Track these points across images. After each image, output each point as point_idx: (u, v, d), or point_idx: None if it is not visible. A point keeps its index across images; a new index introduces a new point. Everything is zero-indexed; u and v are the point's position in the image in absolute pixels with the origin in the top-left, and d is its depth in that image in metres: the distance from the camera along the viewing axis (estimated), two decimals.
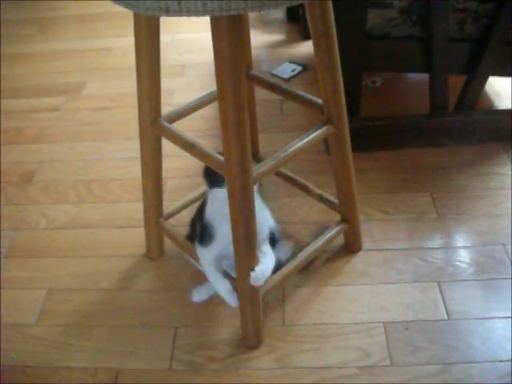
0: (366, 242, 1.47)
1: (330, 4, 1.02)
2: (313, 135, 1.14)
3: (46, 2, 3.23)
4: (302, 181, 1.46)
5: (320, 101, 1.17)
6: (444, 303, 1.30)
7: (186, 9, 0.77)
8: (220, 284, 1.22)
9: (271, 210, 1.25)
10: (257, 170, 1.03)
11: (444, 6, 1.54)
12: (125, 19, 2.66)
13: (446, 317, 1.27)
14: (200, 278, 1.37)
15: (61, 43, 2.76)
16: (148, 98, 1.14)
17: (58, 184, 1.78)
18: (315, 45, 1.07)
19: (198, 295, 1.35)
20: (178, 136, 1.13)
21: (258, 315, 1.19)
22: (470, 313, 1.27)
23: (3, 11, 3.14)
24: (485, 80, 1.73)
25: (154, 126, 1.17)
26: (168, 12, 0.79)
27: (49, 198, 1.73)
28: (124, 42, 2.63)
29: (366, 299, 1.33)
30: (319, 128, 1.16)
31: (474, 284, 1.35)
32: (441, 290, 1.33)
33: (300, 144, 1.10)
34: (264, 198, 1.21)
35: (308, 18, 1.04)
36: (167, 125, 1.17)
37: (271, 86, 1.31)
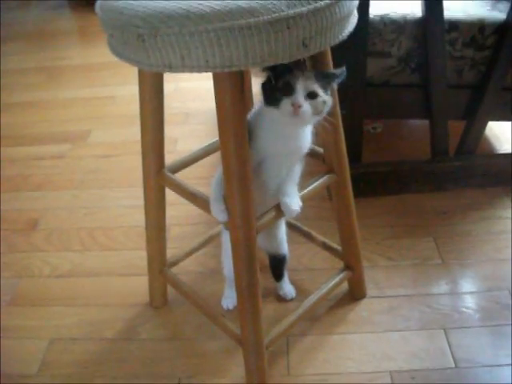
0: (371, 289, 1.46)
1: (330, 56, 1.04)
2: (314, 184, 1.15)
3: (53, 52, 3.32)
4: (305, 228, 1.46)
5: (321, 150, 1.19)
6: (451, 350, 1.28)
7: (189, 65, 0.80)
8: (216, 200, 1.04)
9: None
10: (260, 220, 1.04)
11: (441, 54, 1.58)
12: (129, 67, 2.68)
13: (453, 365, 1.25)
14: (204, 328, 1.36)
15: (67, 92, 2.82)
16: (152, 148, 1.15)
17: (62, 232, 1.79)
18: None
19: (226, 302, 1.42)
20: (182, 187, 1.13)
21: (262, 366, 1.17)
22: (477, 360, 1.26)
23: (12, 60, 3.22)
24: (484, 125, 1.75)
25: (158, 176, 1.18)
26: (171, 68, 0.81)
27: (52, 245, 1.73)
28: (128, 91, 2.67)
29: (372, 347, 1.31)
30: (321, 177, 1.17)
31: (481, 330, 1.33)
32: (447, 337, 1.31)
33: (302, 194, 1.10)
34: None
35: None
36: (171, 175, 1.18)
37: None
